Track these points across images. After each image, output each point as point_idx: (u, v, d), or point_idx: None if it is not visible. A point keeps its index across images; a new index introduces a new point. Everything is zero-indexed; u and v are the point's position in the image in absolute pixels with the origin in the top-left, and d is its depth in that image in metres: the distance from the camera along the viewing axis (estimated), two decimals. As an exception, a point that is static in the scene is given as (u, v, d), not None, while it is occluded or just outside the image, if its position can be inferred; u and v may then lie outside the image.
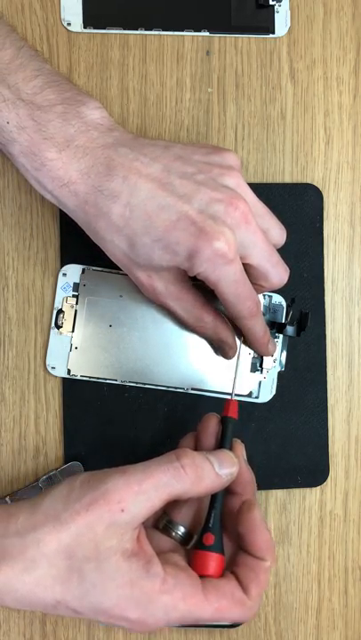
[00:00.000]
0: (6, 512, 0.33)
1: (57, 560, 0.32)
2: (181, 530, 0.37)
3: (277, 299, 0.45)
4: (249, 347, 0.42)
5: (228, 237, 0.35)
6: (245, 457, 0.38)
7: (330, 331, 0.46)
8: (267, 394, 0.45)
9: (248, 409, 0.45)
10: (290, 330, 0.43)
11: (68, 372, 0.44)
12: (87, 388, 0.44)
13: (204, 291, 0.39)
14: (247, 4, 0.46)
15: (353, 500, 0.46)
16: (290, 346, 0.45)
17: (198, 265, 0.35)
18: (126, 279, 0.42)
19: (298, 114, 0.46)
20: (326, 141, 0.46)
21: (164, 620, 0.32)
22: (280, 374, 0.45)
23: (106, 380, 0.44)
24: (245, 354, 0.44)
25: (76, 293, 0.44)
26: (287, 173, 0.46)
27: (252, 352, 0.44)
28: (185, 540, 0.37)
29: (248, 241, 0.36)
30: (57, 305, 0.44)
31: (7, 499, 0.43)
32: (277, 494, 0.45)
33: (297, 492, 0.45)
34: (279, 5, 0.46)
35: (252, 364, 0.45)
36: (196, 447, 0.38)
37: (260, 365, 0.45)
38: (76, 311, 0.44)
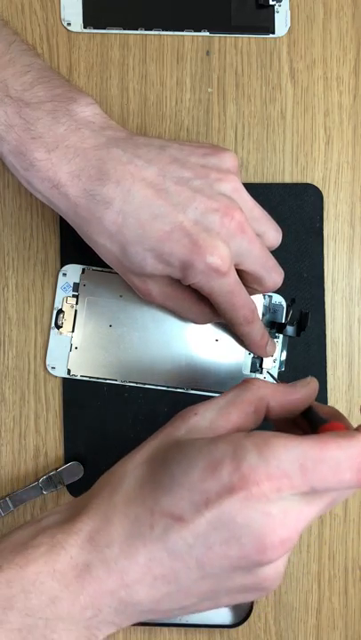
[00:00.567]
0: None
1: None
2: None
3: (277, 299, 0.45)
4: (247, 349, 0.42)
5: (221, 251, 0.34)
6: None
7: (330, 331, 0.46)
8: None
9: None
10: (290, 330, 0.43)
11: (68, 372, 0.44)
12: (87, 388, 0.44)
13: None
14: (247, 4, 0.46)
15: (353, 499, 0.46)
16: (290, 346, 0.45)
17: (192, 277, 0.35)
18: (126, 279, 0.42)
19: (298, 114, 0.46)
20: (326, 141, 0.46)
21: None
22: (280, 374, 0.45)
23: (106, 379, 0.44)
24: (245, 354, 0.44)
25: (76, 293, 0.44)
26: (287, 173, 0.46)
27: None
28: None
29: (243, 249, 0.36)
30: (57, 305, 0.44)
31: (7, 499, 0.44)
32: (277, 494, 0.45)
33: (297, 491, 0.45)
34: (279, 5, 0.46)
35: (252, 363, 0.45)
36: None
37: (260, 365, 0.45)
38: (76, 311, 0.44)
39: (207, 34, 0.46)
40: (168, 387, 0.44)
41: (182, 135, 0.46)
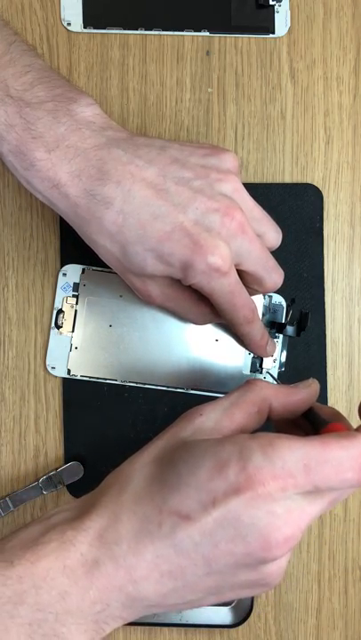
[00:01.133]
0: None
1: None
2: None
3: (277, 299, 0.45)
4: (247, 349, 0.42)
5: (222, 251, 0.34)
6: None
7: (330, 331, 0.46)
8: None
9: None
10: (290, 330, 0.43)
11: (68, 372, 0.44)
12: (87, 388, 0.44)
13: None
14: (247, 4, 0.46)
15: (353, 500, 0.46)
16: (290, 346, 0.45)
17: (192, 277, 0.35)
18: (126, 279, 0.42)
19: (298, 114, 0.46)
20: (326, 141, 0.46)
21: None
22: (280, 374, 0.45)
23: (106, 380, 0.44)
24: (245, 354, 0.44)
25: (76, 293, 0.44)
26: (287, 173, 0.46)
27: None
28: None
29: (244, 250, 0.36)
30: (57, 305, 0.44)
31: (7, 499, 0.44)
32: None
33: (297, 491, 0.45)
34: (279, 5, 0.46)
35: (252, 363, 0.45)
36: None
37: (260, 365, 0.45)
38: (76, 311, 0.44)
39: (207, 34, 0.46)
40: (168, 387, 0.44)
41: (182, 135, 0.46)
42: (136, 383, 0.44)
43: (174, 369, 0.44)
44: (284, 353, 0.45)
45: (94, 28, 0.45)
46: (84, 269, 0.44)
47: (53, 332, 0.44)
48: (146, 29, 0.46)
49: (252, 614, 0.45)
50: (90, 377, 0.44)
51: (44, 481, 0.44)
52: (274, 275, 0.38)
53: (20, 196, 0.45)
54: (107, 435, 0.45)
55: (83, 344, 0.44)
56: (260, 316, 0.44)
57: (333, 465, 0.28)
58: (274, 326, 0.44)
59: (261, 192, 0.45)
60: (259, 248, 0.36)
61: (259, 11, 0.46)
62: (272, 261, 0.38)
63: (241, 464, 0.28)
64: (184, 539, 0.29)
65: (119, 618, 0.30)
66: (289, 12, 0.46)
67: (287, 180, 0.46)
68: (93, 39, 0.46)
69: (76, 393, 0.44)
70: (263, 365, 0.45)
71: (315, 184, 0.46)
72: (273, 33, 0.46)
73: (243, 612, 0.45)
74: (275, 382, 0.41)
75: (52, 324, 0.44)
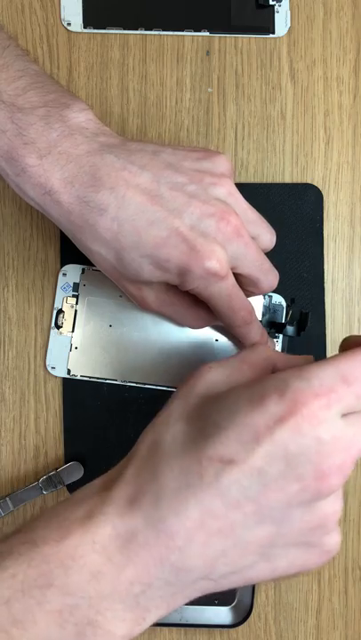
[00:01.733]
0: None
1: None
2: None
3: (277, 299, 0.45)
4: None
5: (219, 255, 0.34)
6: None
7: (330, 331, 0.46)
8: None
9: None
10: (290, 330, 0.43)
11: (68, 372, 0.44)
12: (87, 388, 0.44)
13: None
14: (247, 4, 0.46)
15: (353, 500, 0.46)
16: (290, 346, 0.45)
17: (190, 282, 0.35)
18: (126, 279, 0.42)
19: (298, 114, 0.46)
20: (326, 141, 0.46)
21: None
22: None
23: (106, 380, 0.44)
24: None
25: (76, 293, 0.44)
26: (287, 173, 0.46)
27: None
28: None
29: (240, 253, 0.36)
30: (57, 305, 0.44)
31: (7, 499, 0.44)
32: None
33: (297, 492, 0.45)
34: (279, 5, 0.46)
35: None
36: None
37: (260, 365, 0.45)
38: (76, 311, 0.44)
39: (207, 34, 0.46)
40: (168, 387, 0.44)
41: (182, 135, 0.46)
42: (136, 383, 0.44)
43: (174, 369, 0.44)
44: (285, 353, 0.45)
45: (94, 28, 0.45)
46: (84, 269, 0.44)
47: (53, 331, 0.44)
48: (146, 29, 0.46)
49: (252, 614, 0.45)
50: (90, 377, 0.44)
51: (43, 481, 0.44)
52: (270, 276, 0.38)
53: (19, 197, 0.45)
54: (107, 435, 0.45)
55: (83, 344, 0.44)
56: (260, 316, 0.44)
57: None
58: (274, 326, 0.44)
59: (261, 192, 0.45)
60: (254, 251, 0.36)
61: (259, 11, 0.46)
62: (267, 263, 0.38)
63: (279, 392, 0.27)
64: (230, 485, 0.26)
65: (162, 602, 0.27)
66: (289, 12, 0.46)
67: (287, 179, 0.46)
68: (93, 39, 0.46)
69: (76, 393, 0.44)
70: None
71: (315, 184, 0.46)
72: (273, 33, 0.46)
73: (243, 611, 0.45)
74: None
75: (52, 324, 0.44)
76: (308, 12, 0.46)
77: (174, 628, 0.45)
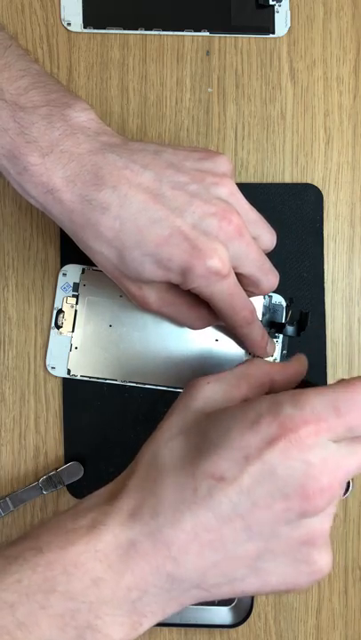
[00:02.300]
0: None
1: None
2: None
3: (277, 299, 0.45)
4: (247, 350, 0.42)
5: (221, 254, 0.34)
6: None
7: (330, 331, 0.46)
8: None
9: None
10: (290, 330, 0.43)
11: (68, 371, 0.44)
12: (87, 388, 0.44)
13: None
14: (247, 4, 0.46)
15: (353, 499, 0.46)
16: (290, 346, 0.45)
17: (192, 281, 0.35)
18: (126, 279, 0.42)
19: (298, 114, 0.46)
20: (326, 141, 0.46)
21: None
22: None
23: (106, 380, 0.44)
24: (245, 353, 0.44)
25: (76, 293, 0.44)
26: (287, 173, 0.46)
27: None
28: None
29: (241, 253, 0.36)
30: (57, 305, 0.44)
31: (7, 499, 0.44)
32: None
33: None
34: (279, 5, 0.46)
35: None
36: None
37: (260, 365, 0.45)
38: (76, 311, 0.44)
39: (207, 34, 0.46)
40: (168, 387, 0.44)
41: (182, 135, 0.46)
42: (136, 383, 0.44)
43: (174, 369, 0.44)
44: (285, 353, 0.45)
45: (94, 28, 0.45)
46: (84, 269, 0.44)
47: (53, 331, 0.44)
48: (146, 29, 0.46)
49: (252, 614, 0.45)
50: (90, 377, 0.44)
51: (43, 481, 0.44)
52: (270, 276, 0.38)
53: (20, 196, 0.45)
54: (107, 435, 0.45)
55: (83, 344, 0.44)
56: (261, 316, 0.44)
57: None
58: (274, 326, 0.44)
59: (261, 192, 0.45)
60: (255, 251, 0.37)
61: (259, 11, 0.46)
62: (268, 263, 0.38)
63: (271, 416, 0.28)
64: (221, 501, 0.28)
65: (158, 608, 0.29)
66: (289, 12, 0.46)
67: (287, 179, 0.46)
68: (93, 39, 0.46)
69: (76, 393, 0.44)
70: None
71: (315, 184, 0.46)
72: (273, 33, 0.46)
73: (243, 611, 0.45)
74: None
75: (52, 324, 0.44)
76: (308, 11, 0.46)
77: (174, 628, 0.45)
